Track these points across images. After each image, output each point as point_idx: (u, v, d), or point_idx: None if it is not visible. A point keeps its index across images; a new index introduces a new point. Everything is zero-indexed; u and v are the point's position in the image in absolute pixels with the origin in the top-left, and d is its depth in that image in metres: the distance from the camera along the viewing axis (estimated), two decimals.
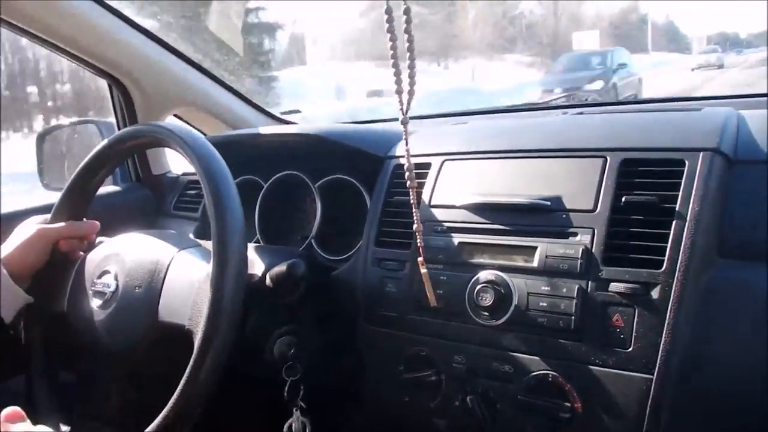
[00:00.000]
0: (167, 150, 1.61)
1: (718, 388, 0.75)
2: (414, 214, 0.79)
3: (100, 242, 0.96)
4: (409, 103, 0.72)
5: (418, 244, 0.80)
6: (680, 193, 0.78)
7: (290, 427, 0.94)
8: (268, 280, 0.91)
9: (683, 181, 0.79)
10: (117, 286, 0.86)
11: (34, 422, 0.86)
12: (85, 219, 0.99)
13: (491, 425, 0.84)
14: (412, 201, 0.78)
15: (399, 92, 0.71)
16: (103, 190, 1.45)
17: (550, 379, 0.81)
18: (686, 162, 0.80)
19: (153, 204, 1.52)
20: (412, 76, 0.70)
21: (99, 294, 0.87)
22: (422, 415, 0.91)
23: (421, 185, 0.99)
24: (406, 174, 0.76)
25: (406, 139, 0.75)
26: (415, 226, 0.79)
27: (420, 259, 0.81)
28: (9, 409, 0.64)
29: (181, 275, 0.83)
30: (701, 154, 0.80)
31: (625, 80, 12.93)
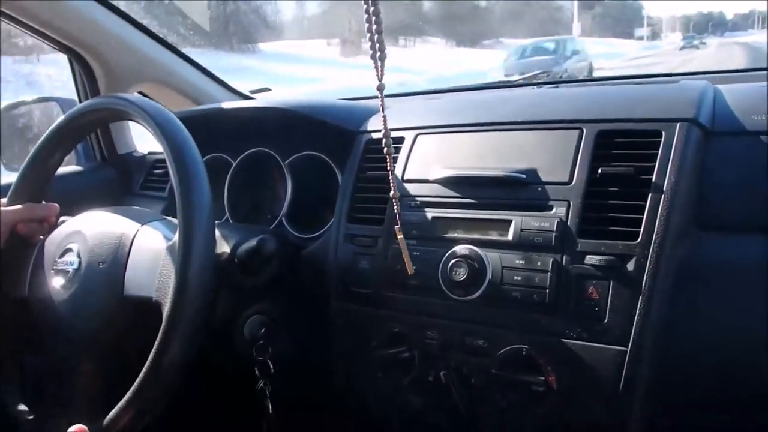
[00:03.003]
0: (133, 129, 1.57)
1: (694, 360, 0.75)
2: (390, 181, 0.77)
3: (62, 222, 0.92)
4: (382, 69, 0.70)
5: (395, 211, 0.78)
6: (657, 164, 0.78)
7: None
8: (237, 257, 0.89)
9: (660, 151, 0.78)
10: (80, 263, 0.83)
11: None
12: (44, 201, 0.94)
13: (466, 401, 0.83)
14: (389, 168, 0.76)
15: (373, 57, 0.69)
16: (66, 170, 1.41)
17: (523, 353, 0.80)
18: (663, 133, 0.79)
19: (119, 184, 1.48)
20: (380, 41, 0.68)
21: (61, 273, 0.84)
22: (396, 392, 0.90)
23: (394, 160, 0.97)
24: (383, 141, 0.74)
25: (382, 105, 0.72)
26: (392, 193, 0.77)
27: (397, 227, 0.79)
28: (76, 427, 0.71)
29: (147, 247, 0.80)
30: (678, 124, 0.79)
31: (578, 65, 14.19)
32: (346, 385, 0.97)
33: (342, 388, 0.98)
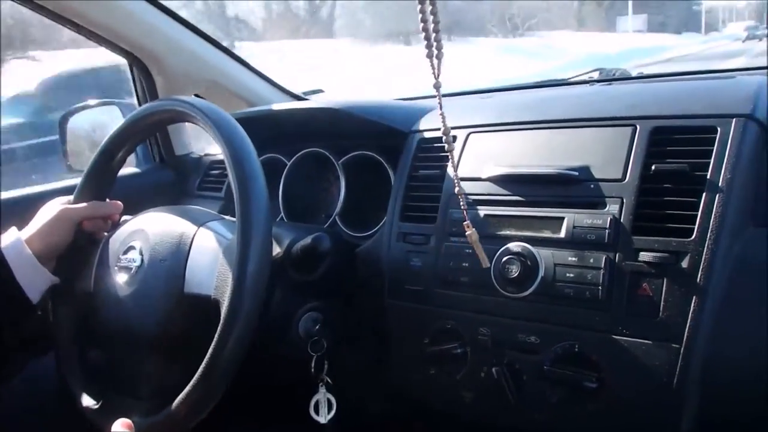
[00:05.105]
0: (189, 131, 1.61)
1: (746, 358, 0.74)
2: (454, 179, 0.78)
3: (125, 221, 0.96)
4: (439, 68, 0.71)
5: (462, 208, 0.79)
6: (712, 161, 0.77)
7: (316, 403, 0.95)
8: (292, 255, 0.92)
9: (715, 148, 0.78)
10: (142, 260, 0.86)
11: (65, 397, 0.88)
12: (108, 200, 0.98)
13: (517, 396, 0.84)
14: (451, 166, 0.76)
15: (430, 56, 0.69)
16: (126, 171, 1.46)
17: (576, 349, 0.80)
18: (718, 129, 0.78)
19: (176, 185, 1.52)
20: (438, 40, 0.69)
21: (124, 269, 0.87)
22: (448, 387, 0.91)
23: (445, 158, 0.99)
24: (443, 138, 0.74)
25: (440, 104, 0.73)
26: (456, 190, 0.78)
27: (466, 222, 0.80)
28: (122, 420, 0.71)
29: (206, 246, 0.83)
30: (734, 120, 0.78)
31: None
32: (400, 381, 0.99)
33: (395, 384, 1.00)
